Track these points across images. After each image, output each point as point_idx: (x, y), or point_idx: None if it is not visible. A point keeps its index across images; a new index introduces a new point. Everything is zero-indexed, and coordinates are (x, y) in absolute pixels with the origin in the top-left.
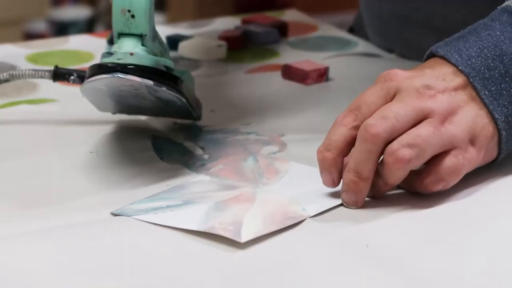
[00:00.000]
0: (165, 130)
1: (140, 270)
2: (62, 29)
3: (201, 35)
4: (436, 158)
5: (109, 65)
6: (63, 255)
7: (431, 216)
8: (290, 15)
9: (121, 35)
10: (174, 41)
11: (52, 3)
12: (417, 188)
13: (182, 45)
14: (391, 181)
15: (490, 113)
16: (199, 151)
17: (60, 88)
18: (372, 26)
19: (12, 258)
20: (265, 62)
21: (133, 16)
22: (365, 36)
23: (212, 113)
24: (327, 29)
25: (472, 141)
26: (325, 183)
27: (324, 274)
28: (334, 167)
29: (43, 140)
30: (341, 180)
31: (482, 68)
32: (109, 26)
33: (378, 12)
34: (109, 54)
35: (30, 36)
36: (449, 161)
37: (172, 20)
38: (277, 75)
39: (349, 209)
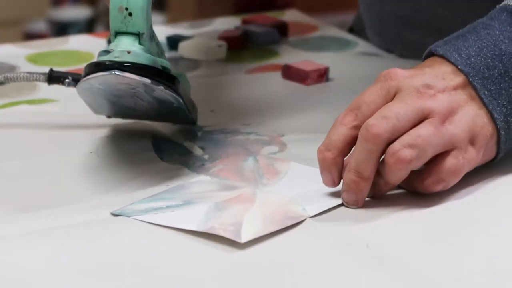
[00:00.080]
0: (165, 130)
1: (140, 270)
2: (62, 29)
3: (201, 35)
4: (436, 159)
5: (106, 63)
6: (63, 255)
7: (431, 216)
8: (290, 15)
9: (118, 33)
10: (174, 41)
11: (52, 3)
12: (417, 188)
13: (182, 45)
14: (391, 181)
15: (489, 113)
16: (199, 151)
17: (60, 88)
18: (372, 27)
19: (12, 258)
20: (265, 62)
21: (130, 14)
22: (365, 37)
23: (212, 113)
24: (327, 29)
25: (471, 141)
26: (325, 182)
27: (324, 274)
28: (334, 167)
29: (43, 140)
30: (341, 179)
31: (481, 68)
32: (109, 26)
33: (378, 13)
34: (106, 52)
35: (30, 36)
36: (449, 162)
37: (172, 20)
38: (277, 75)
39: (349, 209)
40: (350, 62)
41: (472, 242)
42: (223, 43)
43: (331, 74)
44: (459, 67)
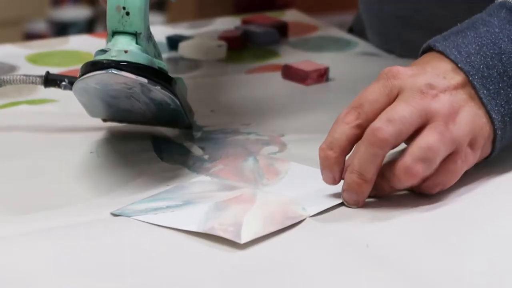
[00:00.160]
0: (165, 130)
1: (140, 270)
2: (62, 29)
3: (201, 35)
4: None
5: (103, 62)
6: (63, 255)
7: (431, 216)
8: (290, 15)
9: (115, 33)
10: (174, 41)
11: (52, 3)
12: (415, 190)
13: (182, 45)
14: (398, 187)
15: (488, 113)
16: (199, 152)
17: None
18: (371, 27)
19: (12, 258)
20: (265, 62)
21: (128, 14)
22: (364, 37)
23: (212, 113)
24: (327, 29)
25: (471, 143)
26: (325, 180)
27: (324, 274)
28: (336, 166)
29: (43, 140)
30: (342, 178)
31: (481, 67)
32: None
33: (377, 13)
34: (103, 51)
35: (30, 36)
36: (448, 166)
37: (172, 20)
38: (277, 75)
39: (349, 209)
40: (350, 62)
41: (472, 242)
42: (223, 43)
43: (331, 74)
44: (459, 65)
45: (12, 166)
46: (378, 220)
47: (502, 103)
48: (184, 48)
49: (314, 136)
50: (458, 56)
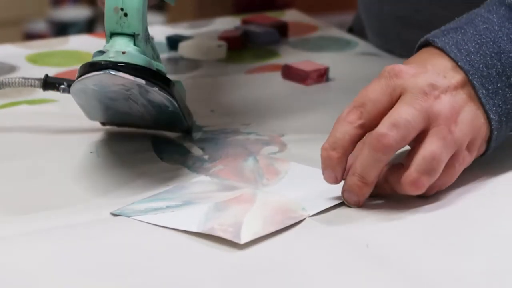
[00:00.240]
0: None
1: (140, 270)
2: (62, 29)
3: (201, 35)
4: None
5: (101, 62)
6: (63, 255)
7: (431, 216)
8: (290, 15)
9: (113, 34)
10: (174, 41)
11: (52, 3)
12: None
13: (182, 45)
14: (400, 193)
15: (486, 113)
16: (199, 152)
17: None
18: (371, 27)
19: (12, 258)
20: (265, 62)
21: (125, 15)
22: (364, 37)
23: (212, 114)
24: (327, 29)
25: (469, 144)
26: (327, 180)
27: (324, 274)
28: (338, 166)
29: (43, 140)
30: (343, 178)
31: (480, 66)
32: None
33: (377, 13)
34: (101, 52)
35: (30, 36)
36: (447, 170)
37: (172, 20)
38: (277, 75)
39: (349, 209)
40: (350, 62)
41: (472, 242)
42: (223, 43)
43: (331, 74)
44: (459, 63)
45: (12, 166)
46: (378, 220)
47: (500, 103)
48: (184, 48)
49: (314, 136)
50: (458, 54)
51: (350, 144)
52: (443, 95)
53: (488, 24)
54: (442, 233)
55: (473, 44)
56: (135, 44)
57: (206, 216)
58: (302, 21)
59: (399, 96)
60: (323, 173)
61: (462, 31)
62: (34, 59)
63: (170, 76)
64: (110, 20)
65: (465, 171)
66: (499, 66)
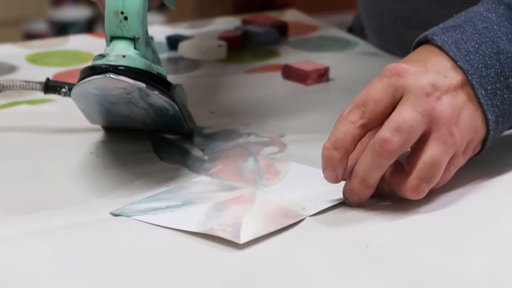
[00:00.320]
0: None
1: (140, 270)
2: (62, 29)
3: (201, 35)
4: None
5: (102, 66)
6: (63, 255)
7: (431, 216)
8: (290, 15)
9: (114, 38)
10: (174, 41)
11: (52, 3)
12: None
13: (182, 45)
14: (399, 196)
15: (484, 114)
16: (199, 152)
17: None
18: (371, 28)
19: (12, 258)
20: (265, 62)
21: (126, 19)
22: (364, 37)
23: (212, 114)
24: (327, 29)
25: (465, 148)
26: (328, 179)
27: (324, 274)
28: (340, 166)
29: (43, 140)
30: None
31: (479, 66)
32: None
33: (377, 13)
34: (101, 56)
35: (30, 36)
36: (443, 174)
37: (172, 20)
38: (277, 75)
39: (349, 209)
40: (350, 62)
41: (472, 242)
42: (223, 43)
43: (331, 74)
44: (458, 63)
45: (12, 166)
46: (378, 220)
47: (498, 103)
48: (184, 48)
49: (314, 136)
50: (457, 53)
51: (352, 144)
52: (444, 96)
53: (487, 23)
54: (442, 233)
55: (472, 43)
56: (135, 48)
57: (206, 216)
58: (302, 21)
59: (401, 96)
60: (323, 172)
61: (461, 29)
62: (34, 59)
63: (170, 77)
64: (110, 23)
65: (465, 171)
66: (497, 67)
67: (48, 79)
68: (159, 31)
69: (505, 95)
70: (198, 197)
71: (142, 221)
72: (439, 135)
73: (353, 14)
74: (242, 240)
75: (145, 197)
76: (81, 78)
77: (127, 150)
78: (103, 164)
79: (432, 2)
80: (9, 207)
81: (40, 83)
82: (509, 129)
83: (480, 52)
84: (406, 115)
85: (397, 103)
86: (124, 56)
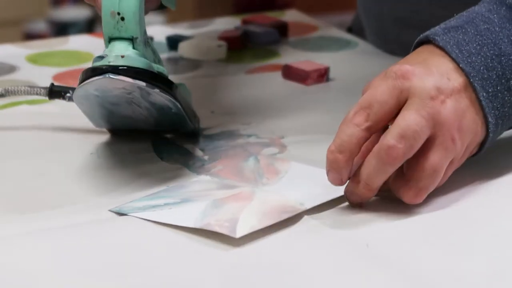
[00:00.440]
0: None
1: (140, 270)
2: (62, 29)
3: (201, 35)
4: None
5: (101, 67)
6: (63, 255)
7: (431, 216)
8: (290, 15)
9: (112, 39)
10: (174, 41)
11: (52, 3)
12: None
13: (182, 45)
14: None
15: (485, 117)
16: (199, 152)
17: None
18: (370, 28)
19: (12, 258)
20: (265, 62)
21: (122, 19)
22: (364, 37)
23: (212, 114)
24: (327, 29)
25: (464, 151)
26: (332, 181)
27: (324, 274)
28: (344, 169)
29: (43, 140)
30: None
31: (481, 68)
32: None
33: (376, 14)
34: (100, 58)
35: (30, 36)
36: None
37: (172, 20)
38: (277, 75)
39: (349, 209)
40: (350, 62)
41: (472, 242)
42: (223, 43)
43: (331, 74)
44: (460, 65)
45: (12, 166)
46: (378, 220)
47: (498, 106)
48: (184, 48)
49: (314, 137)
50: (459, 55)
51: (357, 147)
52: (448, 100)
53: (489, 25)
54: (442, 233)
55: (474, 45)
56: (134, 48)
57: (204, 213)
58: (302, 21)
59: (406, 98)
60: (327, 175)
61: (463, 30)
62: (34, 59)
63: (171, 77)
64: (107, 25)
65: (465, 172)
66: (499, 69)
67: (52, 84)
68: (159, 31)
69: (506, 97)
70: (196, 195)
71: (140, 218)
72: (442, 141)
73: (353, 14)
74: (238, 234)
75: (144, 196)
76: (82, 81)
77: (127, 150)
78: (103, 164)
79: (431, 3)
80: (9, 207)
81: (44, 88)
82: (508, 129)
83: (482, 54)
84: (411, 121)
85: (402, 105)
86: (123, 56)
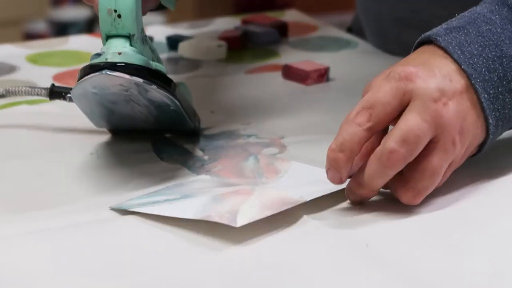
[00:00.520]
0: (165, 131)
1: (140, 270)
2: (62, 29)
3: (201, 35)
4: None
5: (98, 64)
6: (63, 255)
7: (430, 216)
8: (290, 15)
9: (109, 37)
10: (174, 41)
11: (52, 3)
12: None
13: (182, 45)
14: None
15: (485, 118)
16: (199, 152)
17: None
18: (369, 28)
19: (12, 258)
20: (265, 62)
21: (119, 16)
22: (363, 37)
23: (212, 114)
24: (327, 29)
25: (463, 153)
26: (331, 180)
27: (324, 274)
28: (344, 168)
29: (43, 140)
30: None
31: (483, 70)
32: None
33: (376, 14)
34: (97, 55)
35: (30, 36)
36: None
37: (172, 20)
38: (277, 75)
39: (349, 209)
40: (350, 62)
41: (472, 242)
42: (223, 43)
43: (331, 74)
44: (462, 66)
45: (12, 166)
46: (378, 220)
47: (499, 107)
48: (184, 48)
49: (314, 137)
50: (461, 56)
51: (358, 147)
52: (450, 102)
53: (490, 26)
54: (441, 234)
55: (476, 46)
56: (131, 45)
57: (204, 206)
58: (302, 21)
59: (409, 100)
60: (327, 173)
61: (465, 31)
62: (34, 59)
63: (171, 77)
64: (104, 22)
65: (465, 172)
66: (500, 71)
67: (53, 85)
68: (159, 31)
69: (507, 99)
70: (196, 192)
71: (140, 214)
72: (443, 143)
73: (352, 14)
74: (238, 224)
75: (144, 194)
76: (79, 78)
77: (127, 150)
78: (103, 164)
79: (430, 3)
80: (9, 207)
81: (45, 89)
82: (508, 129)
83: (483, 55)
84: (413, 125)
85: (405, 107)
86: (120, 53)
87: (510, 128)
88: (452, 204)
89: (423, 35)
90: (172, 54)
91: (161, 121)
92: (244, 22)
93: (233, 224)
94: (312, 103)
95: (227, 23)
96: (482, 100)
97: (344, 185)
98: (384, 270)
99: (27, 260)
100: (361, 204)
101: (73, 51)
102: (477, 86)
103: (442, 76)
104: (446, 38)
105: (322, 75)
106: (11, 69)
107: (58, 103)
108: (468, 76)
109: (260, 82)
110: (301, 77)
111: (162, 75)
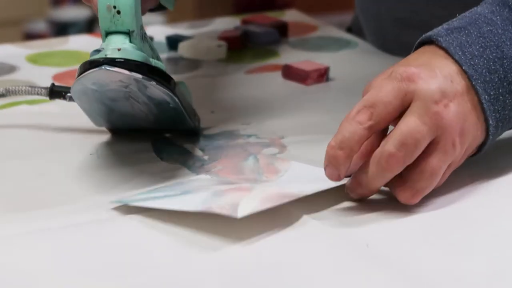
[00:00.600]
0: (165, 131)
1: (140, 270)
2: (62, 29)
3: (201, 35)
4: None
5: (98, 60)
6: (63, 255)
7: (431, 216)
8: (290, 15)
9: (109, 33)
10: (174, 41)
11: (52, 3)
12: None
13: (182, 45)
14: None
15: (485, 119)
16: (199, 152)
17: None
18: (369, 29)
19: (12, 258)
20: (265, 62)
21: (118, 12)
22: (363, 37)
23: (212, 114)
24: (327, 29)
25: (463, 154)
26: (329, 177)
27: (324, 274)
28: (343, 166)
29: (43, 140)
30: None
31: (483, 71)
32: None
33: (375, 14)
34: (97, 51)
35: (30, 36)
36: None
37: (172, 20)
38: (277, 75)
39: (349, 209)
40: (350, 62)
41: (472, 242)
42: (223, 43)
43: (331, 74)
44: (463, 67)
45: (12, 166)
46: (378, 220)
47: (499, 109)
48: (184, 48)
49: (314, 137)
50: (462, 57)
51: (357, 145)
52: (451, 104)
53: (491, 27)
54: (442, 233)
55: (477, 47)
56: (130, 41)
57: (204, 200)
58: (302, 21)
59: (410, 101)
60: (325, 170)
61: (466, 31)
62: (34, 59)
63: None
64: (104, 19)
65: (465, 172)
66: (501, 72)
67: (53, 84)
68: (159, 31)
69: (507, 101)
70: (196, 189)
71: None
72: (443, 145)
73: (352, 14)
74: (239, 215)
75: (145, 191)
76: (79, 74)
77: (127, 150)
78: (103, 164)
79: (430, 3)
80: (9, 207)
81: (45, 88)
82: (508, 130)
83: (484, 56)
84: (413, 128)
85: (406, 107)
86: (119, 49)
87: (510, 129)
88: (452, 204)
89: (424, 35)
90: (172, 54)
91: (161, 120)
92: (244, 22)
93: (234, 215)
94: (312, 103)
95: (227, 23)
96: (483, 101)
97: (343, 182)
98: (384, 270)
99: (27, 260)
100: (361, 200)
101: (73, 51)
102: (477, 87)
103: (443, 77)
104: (447, 39)
105: (322, 75)
106: (11, 69)
107: (58, 102)
108: (468, 77)
109: (260, 82)
110: (301, 77)
111: (162, 72)
